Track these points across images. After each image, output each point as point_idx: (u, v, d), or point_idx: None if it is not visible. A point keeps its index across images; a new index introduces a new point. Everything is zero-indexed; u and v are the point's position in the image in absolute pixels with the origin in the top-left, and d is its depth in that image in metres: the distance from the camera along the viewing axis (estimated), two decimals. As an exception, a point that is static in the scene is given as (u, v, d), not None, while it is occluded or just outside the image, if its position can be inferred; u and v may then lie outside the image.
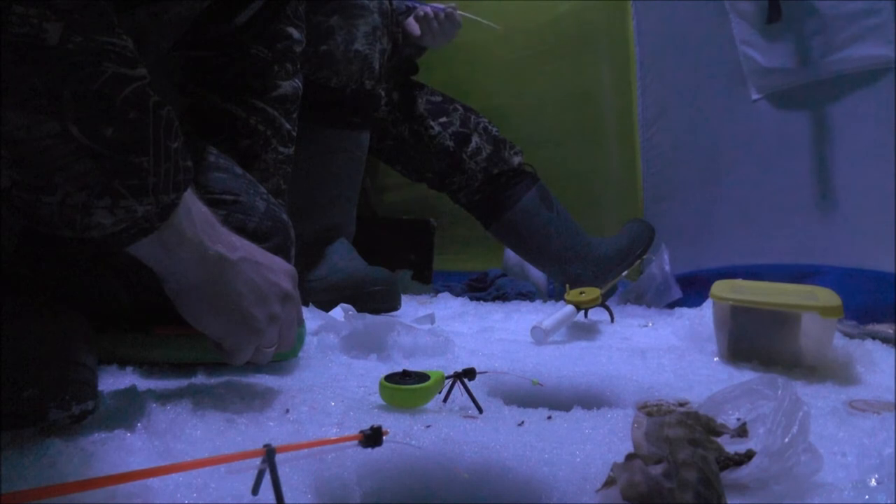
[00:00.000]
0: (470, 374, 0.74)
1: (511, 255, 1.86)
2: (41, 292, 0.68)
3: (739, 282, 1.04)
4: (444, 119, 1.62)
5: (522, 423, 0.67)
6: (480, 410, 0.71)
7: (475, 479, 0.55)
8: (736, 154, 1.54)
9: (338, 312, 1.15)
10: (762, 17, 1.41)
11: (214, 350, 0.68)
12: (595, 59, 1.80)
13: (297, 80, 1.03)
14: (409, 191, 1.98)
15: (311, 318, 1.10)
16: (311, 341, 0.97)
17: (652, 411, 0.70)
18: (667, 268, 1.53)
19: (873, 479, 0.54)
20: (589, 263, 1.59)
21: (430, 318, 1.29)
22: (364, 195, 1.86)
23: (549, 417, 0.69)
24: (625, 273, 1.58)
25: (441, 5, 1.61)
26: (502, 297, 1.70)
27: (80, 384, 0.57)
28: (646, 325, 1.31)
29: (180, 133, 0.58)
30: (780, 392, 0.56)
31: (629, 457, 0.50)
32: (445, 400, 0.73)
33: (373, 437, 0.51)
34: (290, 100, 1.01)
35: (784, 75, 1.42)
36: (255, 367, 0.78)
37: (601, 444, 0.61)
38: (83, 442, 0.55)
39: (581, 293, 1.27)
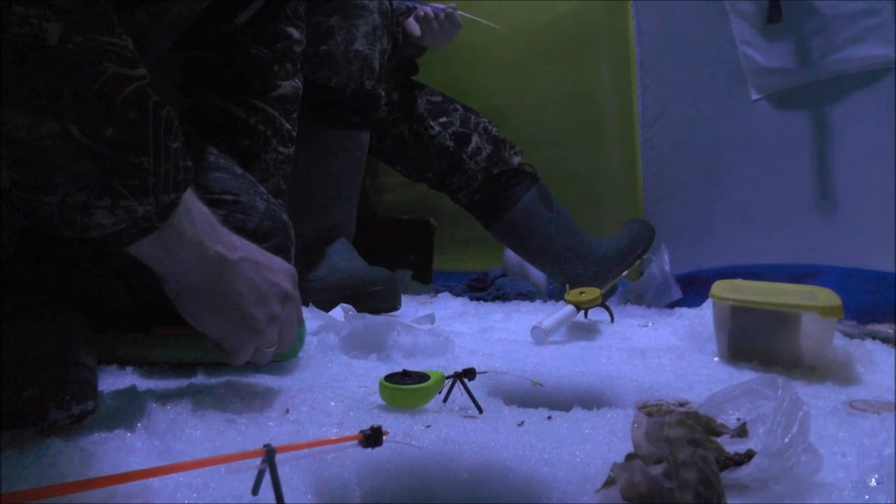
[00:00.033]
0: (470, 374, 0.74)
1: (511, 255, 1.86)
2: (41, 292, 0.68)
3: (739, 282, 1.04)
4: (444, 119, 1.62)
5: (522, 423, 0.67)
6: (480, 410, 0.71)
7: (475, 479, 0.55)
8: (736, 154, 1.54)
9: (338, 312, 1.15)
10: (762, 17, 1.41)
11: (214, 350, 0.68)
12: (595, 59, 1.80)
13: (297, 80, 1.03)
14: (409, 191, 1.98)
15: (311, 318, 1.10)
16: (311, 341, 0.97)
17: (652, 411, 0.70)
18: (667, 268, 1.53)
19: (873, 479, 0.54)
20: (589, 263, 1.59)
21: (430, 318, 1.29)
22: (364, 195, 1.86)
23: (549, 417, 0.69)
24: (625, 273, 1.58)
25: (441, 6, 1.61)
26: (502, 297, 1.70)
27: (80, 384, 0.57)
28: (646, 325, 1.31)
29: (180, 133, 0.58)
30: (780, 392, 0.56)
31: (629, 457, 0.50)
32: (445, 400, 0.73)
33: (373, 437, 0.51)
34: (290, 100, 1.01)
35: (784, 75, 1.42)
36: (255, 367, 0.78)
37: (601, 444, 0.61)
38: (83, 442, 0.55)
39: (581, 293, 1.27)
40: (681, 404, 0.74)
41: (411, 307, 1.46)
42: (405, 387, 0.70)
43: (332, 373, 0.85)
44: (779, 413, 0.53)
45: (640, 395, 0.78)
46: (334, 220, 1.48)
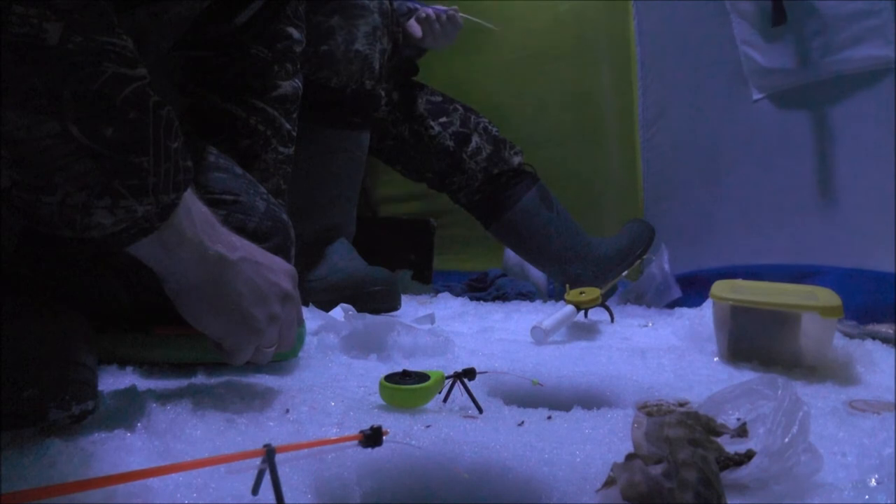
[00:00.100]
0: (470, 374, 0.74)
1: (511, 255, 1.86)
2: (41, 292, 0.68)
3: (739, 282, 1.04)
4: (444, 119, 1.62)
5: (522, 423, 0.67)
6: (480, 410, 0.71)
7: (475, 479, 0.55)
8: (736, 154, 1.54)
9: (338, 312, 1.15)
10: (763, 18, 1.41)
11: (214, 350, 0.68)
12: (595, 59, 1.80)
13: (297, 80, 1.03)
14: (409, 191, 1.98)
15: (311, 318, 1.10)
16: (311, 341, 0.97)
17: (652, 411, 0.70)
18: (667, 268, 1.53)
19: (873, 479, 0.54)
20: (589, 263, 1.59)
21: (430, 318, 1.29)
22: (364, 195, 1.86)
23: (549, 417, 0.69)
24: (625, 273, 1.58)
25: (442, 7, 1.61)
26: (502, 297, 1.70)
27: (80, 384, 0.57)
28: (646, 325, 1.31)
29: (180, 133, 0.58)
30: (780, 392, 0.56)
31: (629, 457, 0.50)
32: (445, 400, 0.73)
33: (373, 437, 0.51)
34: (290, 100, 1.01)
35: (784, 75, 1.42)
36: (255, 367, 0.78)
37: (601, 444, 0.61)
38: (83, 442, 0.55)
39: (581, 293, 1.27)
40: (681, 404, 0.74)
41: (411, 307, 1.46)
42: (405, 387, 0.70)
43: (332, 373, 0.85)
44: (779, 413, 0.53)
45: (640, 395, 0.78)
46: (334, 220, 1.48)
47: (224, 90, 0.96)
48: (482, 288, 1.80)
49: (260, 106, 0.97)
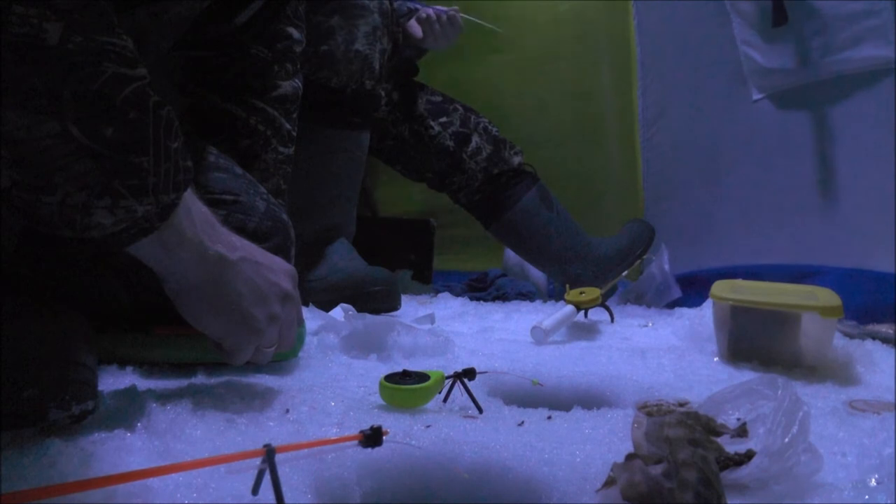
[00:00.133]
0: (470, 374, 0.74)
1: (511, 255, 1.86)
2: (41, 292, 0.68)
3: (739, 282, 1.04)
4: (444, 119, 1.62)
5: (522, 423, 0.67)
6: (480, 410, 0.71)
7: (475, 479, 0.55)
8: (736, 154, 1.54)
9: (338, 312, 1.15)
10: (763, 18, 1.41)
11: (214, 350, 0.68)
12: (595, 58, 1.80)
13: (297, 80, 1.03)
14: (409, 191, 1.98)
15: (311, 318, 1.10)
16: (311, 341, 0.97)
17: (652, 411, 0.70)
18: (667, 268, 1.53)
19: (873, 479, 0.54)
20: (589, 263, 1.59)
21: (430, 318, 1.29)
22: (364, 195, 1.86)
23: (549, 417, 0.69)
24: (625, 273, 1.58)
25: (443, 8, 1.61)
26: (502, 297, 1.70)
27: (80, 384, 0.57)
28: (646, 325, 1.31)
29: (180, 133, 0.58)
30: (780, 392, 0.56)
31: (629, 457, 0.50)
32: (445, 400, 0.73)
33: (373, 437, 0.51)
34: (290, 100, 1.01)
35: (784, 76, 1.42)
36: (255, 367, 0.78)
37: (601, 444, 0.61)
38: (83, 442, 0.55)
39: (581, 293, 1.27)
40: (681, 404, 0.74)
41: (411, 307, 1.46)
42: (405, 387, 0.70)
43: (332, 373, 0.85)
44: (779, 413, 0.53)
45: (640, 395, 0.78)
46: (334, 220, 1.48)
47: (224, 90, 0.96)
48: (482, 288, 1.80)
49: (260, 106, 0.97)
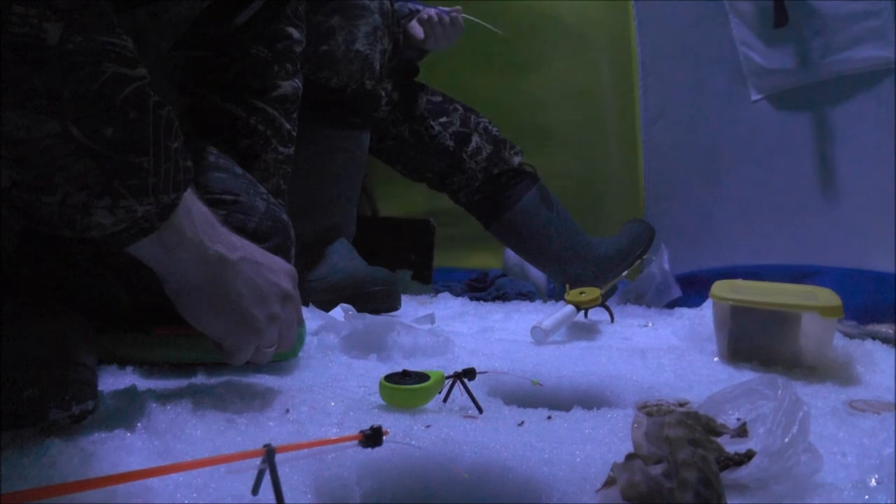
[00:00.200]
0: (470, 374, 0.74)
1: (511, 255, 1.86)
2: (41, 292, 0.68)
3: (739, 282, 1.04)
4: (444, 119, 1.62)
5: (522, 423, 0.67)
6: (480, 410, 0.71)
7: (475, 479, 0.55)
8: (736, 154, 1.54)
9: (338, 312, 1.15)
10: (762, 18, 1.41)
11: (214, 350, 0.68)
12: (596, 58, 1.80)
13: (297, 80, 1.03)
14: (409, 191, 1.98)
15: (311, 318, 1.10)
16: (311, 341, 0.97)
17: (652, 411, 0.70)
18: (667, 268, 1.53)
19: (873, 479, 0.54)
20: (589, 263, 1.59)
21: (430, 318, 1.29)
22: (364, 195, 1.86)
23: (549, 417, 0.69)
24: (625, 273, 1.58)
25: (445, 8, 1.61)
26: (502, 297, 1.70)
27: (80, 384, 0.57)
28: (646, 325, 1.31)
29: (180, 133, 0.58)
30: (780, 392, 0.56)
31: (629, 457, 0.50)
32: (445, 400, 0.73)
33: (373, 437, 0.51)
34: (290, 100, 1.01)
35: (784, 76, 1.42)
36: (255, 367, 0.78)
37: (601, 444, 0.61)
38: (83, 442, 0.55)
39: (581, 293, 1.27)
40: (681, 404, 0.74)
41: (411, 307, 1.46)
42: (405, 387, 0.70)
43: (332, 373, 0.85)
44: (779, 413, 0.53)
45: (640, 395, 0.78)
46: (334, 220, 1.48)
47: (224, 90, 0.96)
48: (482, 288, 1.80)
49: (260, 106, 0.97)
